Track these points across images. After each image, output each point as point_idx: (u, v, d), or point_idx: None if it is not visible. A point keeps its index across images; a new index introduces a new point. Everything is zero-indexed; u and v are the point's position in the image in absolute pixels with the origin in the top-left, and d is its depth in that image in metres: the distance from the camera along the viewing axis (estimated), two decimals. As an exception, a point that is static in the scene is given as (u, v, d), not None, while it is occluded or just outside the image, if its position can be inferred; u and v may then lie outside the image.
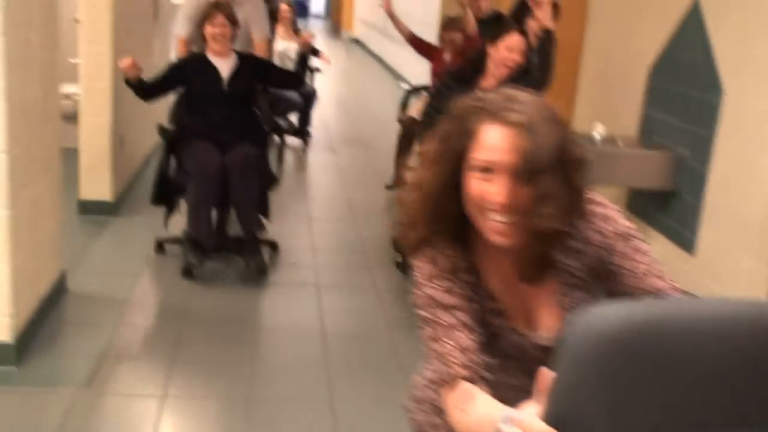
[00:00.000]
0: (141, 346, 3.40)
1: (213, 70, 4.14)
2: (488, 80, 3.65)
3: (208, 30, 4.10)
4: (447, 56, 5.96)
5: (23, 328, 3.15)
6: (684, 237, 3.85)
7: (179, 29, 4.86)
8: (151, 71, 4.53)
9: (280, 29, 7.02)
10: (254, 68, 4.29)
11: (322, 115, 8.58)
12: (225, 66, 4.16)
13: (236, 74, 4.17)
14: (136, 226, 4.73)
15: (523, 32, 3.73)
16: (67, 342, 3.35)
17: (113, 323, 3.52)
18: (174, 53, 5.12)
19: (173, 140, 4.18)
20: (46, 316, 3.44)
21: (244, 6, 4.76)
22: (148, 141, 5.83)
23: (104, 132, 4.74)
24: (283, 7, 7.08)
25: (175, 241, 4.33)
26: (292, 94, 6.73)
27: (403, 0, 12.38)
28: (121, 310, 3.65)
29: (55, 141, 3.52)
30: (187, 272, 4.07)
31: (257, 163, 4.14)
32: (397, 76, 13.16)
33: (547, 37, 3.86)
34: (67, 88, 5.18)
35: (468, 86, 3.46)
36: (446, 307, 1.37)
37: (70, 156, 4.34)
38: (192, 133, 4.10)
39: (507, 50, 3.62)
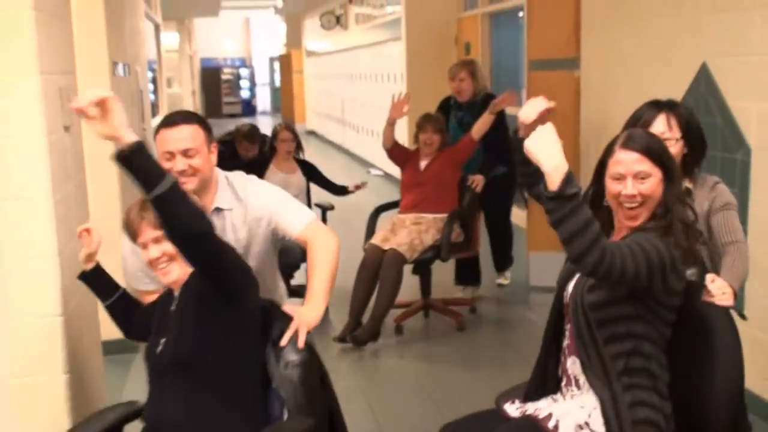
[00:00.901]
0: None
1: (164, 319, 2.45)
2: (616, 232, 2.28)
3: (144, 255, 2.41)
4: (424, 163, 5.09)
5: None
6: (730, 295, 3.83)
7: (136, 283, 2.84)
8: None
9: (279, 159, 5.58)
10: (202, 279, 2.30)
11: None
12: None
13: (179, 321, 2.36)
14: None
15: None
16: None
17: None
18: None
19: None
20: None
21: (255, 200, 2.70)
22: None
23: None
24: (284, 135, 5.57)
25: None
26: (291, 249, 4.37)
27: (363, 89, 12.44)
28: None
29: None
30: None
31: None
32: (363, 162, 13.20)
33: None
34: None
35: None
36: None
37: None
38: None
39: (615, 181, 2.18)
